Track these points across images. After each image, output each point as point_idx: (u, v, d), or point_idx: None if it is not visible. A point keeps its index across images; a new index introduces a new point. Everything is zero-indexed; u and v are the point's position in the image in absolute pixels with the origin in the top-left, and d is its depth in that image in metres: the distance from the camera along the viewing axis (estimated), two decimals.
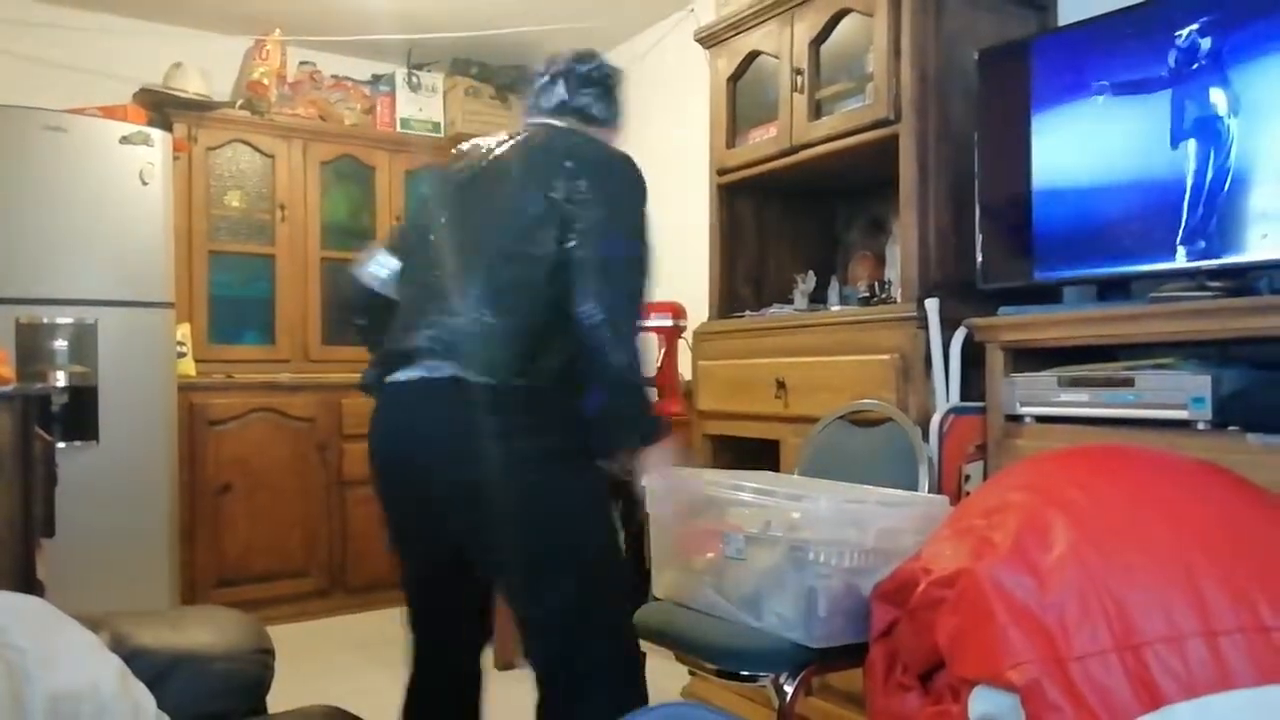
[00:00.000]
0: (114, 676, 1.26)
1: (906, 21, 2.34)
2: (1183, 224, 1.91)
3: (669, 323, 3.69)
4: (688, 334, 3.42)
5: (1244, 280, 1.86)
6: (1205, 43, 1.87)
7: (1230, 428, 1.74)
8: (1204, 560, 1.30)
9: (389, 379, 1.75)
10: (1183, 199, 1.91)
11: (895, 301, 2.47)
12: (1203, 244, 1.88)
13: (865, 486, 2.00)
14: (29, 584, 1.97)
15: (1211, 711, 1.19)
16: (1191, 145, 1.90)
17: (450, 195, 1.85)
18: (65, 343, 3.25)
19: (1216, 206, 1.86)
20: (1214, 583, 1.27)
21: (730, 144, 2.93)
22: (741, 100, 2.93)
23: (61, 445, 3.03)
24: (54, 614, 1.30)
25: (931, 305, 2.24)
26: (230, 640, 1.53)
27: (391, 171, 4.45)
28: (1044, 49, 2.17)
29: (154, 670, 1.37)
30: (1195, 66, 1.89)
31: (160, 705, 1.32)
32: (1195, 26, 1.89)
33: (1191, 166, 1.90)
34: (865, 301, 2.65)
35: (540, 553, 1.68)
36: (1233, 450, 1.70)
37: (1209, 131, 1.88)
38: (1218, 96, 1.87)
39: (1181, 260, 1.91)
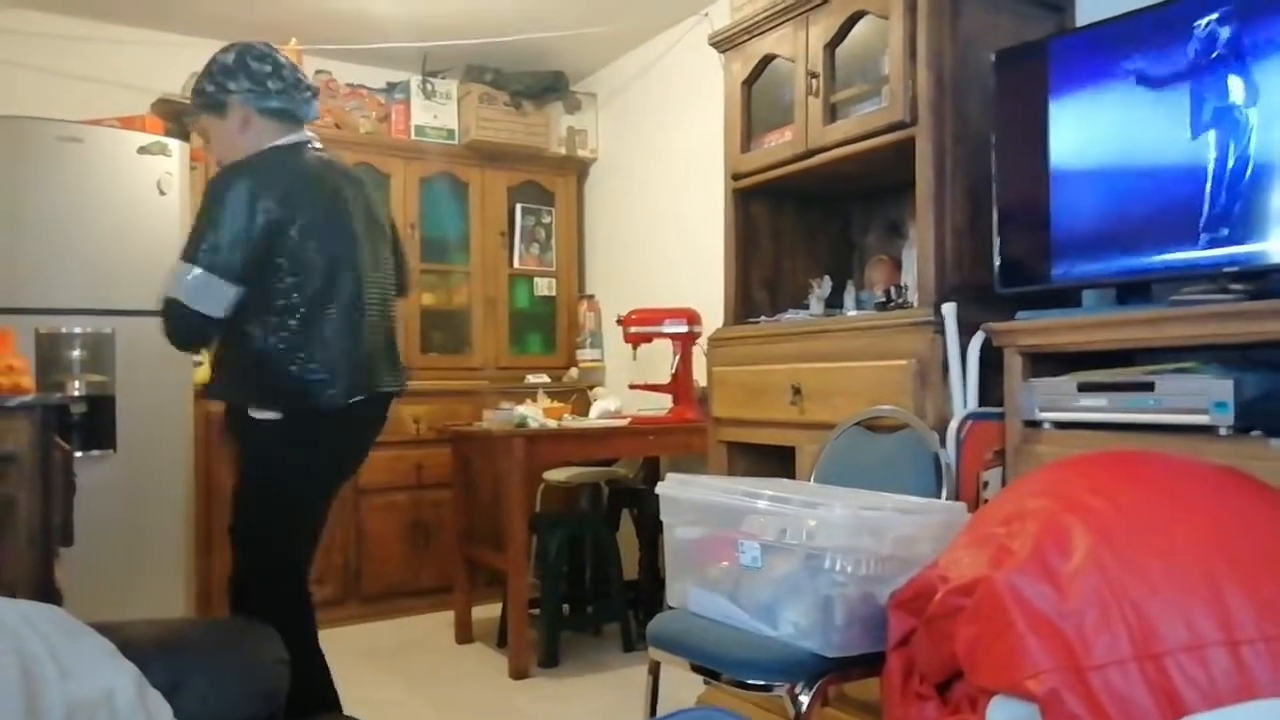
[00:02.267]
0: (130, 685, 1.26)
1: (922, 24, 2.32)
2: (1205, 212, 1.89)
3: (684, 328, 3.69)
4: (703, 340, 3.42)
5: (1266, 283, 1.83)
6: (1224, 32, 1.85)
7: (1253, 433, 1.72)
8: (1226, 568, 1.28)
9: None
10: (1204, 187, 1.89)
11: (912, 306, 2.45)
12: (1225, 231, 1.86)
13: (882, 494, 1.99)
14: (47, 592, 1.98)
15: None
16: (1212, 135, 1.88)
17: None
18: (83, 352, 3.27)
19: (1239, 194, 1.84)
20: (1236, 590, 1.25)
21: (745, 148, 2.92)
22: (756, 104, 2.92)
23: (79, 454, 3.04)
24: (71, 622, 1.31)
25: (949, 310, 2.22)
26: (246, 649, 1.53)
27: (406, 179, 4.47)
28: (1062, 50, 2.16)
29: (170, 679, 1.37)
30: (1214, 56, 1.87)
31: (176, 714, 1.32)
32: (1214, 16, 1.87)
33: (1212, 155, 1.88)
34: (882, 306, 2.64)
35: None
36: (1255, 456, 1.67)
37: (1229, 121, 1.86)
38: (1237, 86, 1.85)
39: (1204, 249, 1.89)
